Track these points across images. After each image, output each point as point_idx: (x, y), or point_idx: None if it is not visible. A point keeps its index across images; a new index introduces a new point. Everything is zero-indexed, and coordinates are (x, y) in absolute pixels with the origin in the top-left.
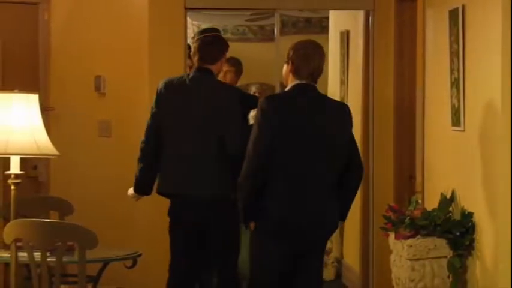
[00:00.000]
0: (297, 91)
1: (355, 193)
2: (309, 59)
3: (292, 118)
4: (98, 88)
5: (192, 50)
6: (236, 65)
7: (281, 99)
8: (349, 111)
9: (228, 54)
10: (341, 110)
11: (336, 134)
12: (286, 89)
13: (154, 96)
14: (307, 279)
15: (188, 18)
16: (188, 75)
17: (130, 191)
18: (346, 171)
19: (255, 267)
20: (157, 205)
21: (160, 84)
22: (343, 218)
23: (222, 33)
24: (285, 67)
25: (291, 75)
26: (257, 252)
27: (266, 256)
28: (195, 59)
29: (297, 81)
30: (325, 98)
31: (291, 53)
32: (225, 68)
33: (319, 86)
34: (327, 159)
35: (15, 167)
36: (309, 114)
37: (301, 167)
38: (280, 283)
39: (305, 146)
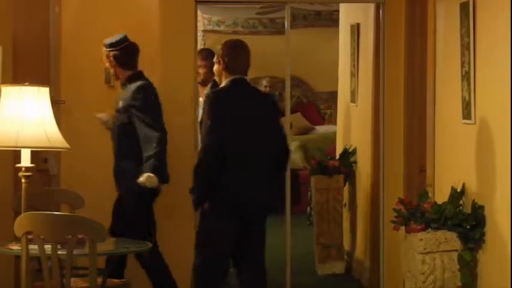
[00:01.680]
0: (234, 85)
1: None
2: (239, 56)
3: (236, 108)
4: (108, 81)
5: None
6: (209, 57)
7: (225, 92)
8: (275, 101)
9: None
10: (268, 100)
11: (268, 123)
12: (222, 85)
13: None
14: (254, 243)
15: (198, 11)
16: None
17: (103, 116)
18: (278, 156)
19: (211, 238)
20: (166, 198)
21: None
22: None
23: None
24: (216, 66)
25: (224, 72)
26: (211, 227)
27: (220, 228)
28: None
29: (232, 77)
30: (255, 90)
31: (222, 52)
32: (197, 62)
33: (329, 79)
34: (265, 145)
35: (25, 160)
36: (248, 105)
37: (247, 152)
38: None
39: (248, 134)
